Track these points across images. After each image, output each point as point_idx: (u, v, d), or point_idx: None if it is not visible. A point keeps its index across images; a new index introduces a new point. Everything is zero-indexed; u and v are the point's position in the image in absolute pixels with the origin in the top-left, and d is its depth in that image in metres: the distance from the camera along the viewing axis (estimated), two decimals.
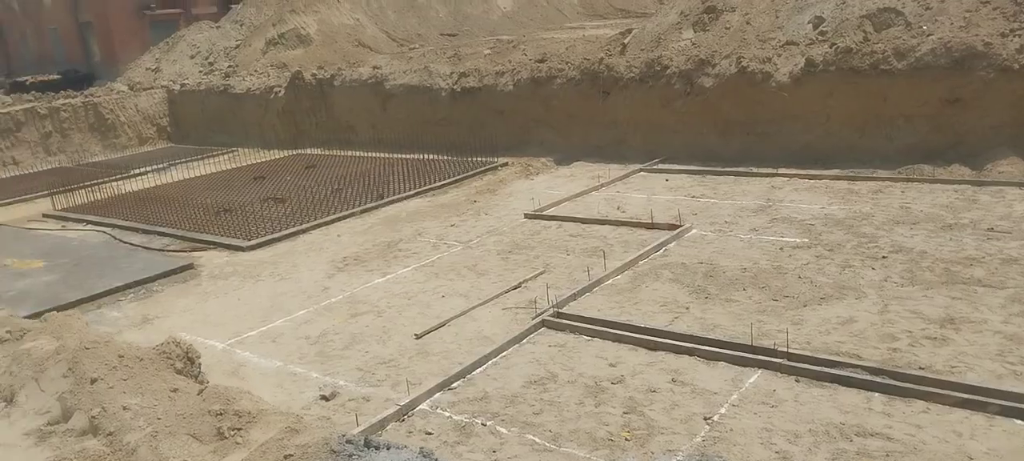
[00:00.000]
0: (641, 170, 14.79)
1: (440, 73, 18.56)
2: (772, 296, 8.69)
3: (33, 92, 27.05)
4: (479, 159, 16.59)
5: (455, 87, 18.17)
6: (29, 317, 9.87)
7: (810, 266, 9.43)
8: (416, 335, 8.52)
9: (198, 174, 18.94)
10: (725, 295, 8.85)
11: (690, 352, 7.52)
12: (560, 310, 8.56)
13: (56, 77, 34.59)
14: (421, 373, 7.67)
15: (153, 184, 17.92)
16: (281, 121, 21.72)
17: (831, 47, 13.64)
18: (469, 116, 17.93)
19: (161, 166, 20.08)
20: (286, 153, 20.69)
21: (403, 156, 17.91)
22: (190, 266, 11.57)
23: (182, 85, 24.77)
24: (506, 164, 16.47)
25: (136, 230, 14.07)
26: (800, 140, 14.05)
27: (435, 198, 14.68)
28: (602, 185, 14.03)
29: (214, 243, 12.68)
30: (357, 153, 19.31)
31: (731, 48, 14.75)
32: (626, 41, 16.44)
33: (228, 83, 23.32)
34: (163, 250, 12.73)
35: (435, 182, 15.46)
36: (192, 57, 26.54)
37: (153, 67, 27.16)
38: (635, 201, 12.93)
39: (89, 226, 14.82)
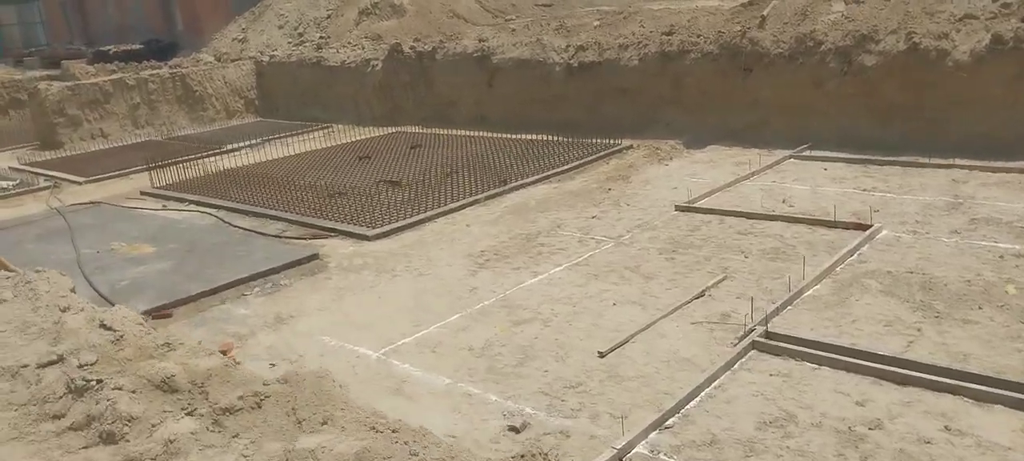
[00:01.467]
0: (790, 157, 13.37)
1: (554, 47, 17.24)
2: (1019, 318, 7.33)
3: (116, 62, 26.52)
4: (600, 141, 15.32)
5: (571, 61, 16.85)
6: (148, 311, 8.97)
7: None
8: (600, 353, 7.36)
9: (295, 151, 18.04)
10: (958, 314, 7.50)
11: (953, 390, 6.23)
12: (769, 329, 7.31)
13: (139, 47, 34.08)
14: (621, 403, 6.51)
15: (250, 161, 17.07)
16: (377, 96, 20.67)
17: (1023, 21, 12.01)
18: (586, 94, 16.65)
19: (256, 142, 19.24)
20: (383, 130, 19.67)
21: (511, 136, 16.78)
22: (316, 256, 10.57)
23: (271, 57, 23.92)
24: (631, 147, 15.18)
25: (243, 212, 13.17)
26: (978, 127, 12.46)
27: (561, 184, 13.48)
28: (753, 173, 12.66)
29: (335, 230, 11.68)
30: (460, 132, 18.20)
31: (896, 22, 13.19)
32: (765, 13, 14.95)
33: (321, 55, 22.37)
34: (280, 236, 11.79)
35: (557, 166, 14.23)
36: (280, 27, 25.68)
37: (240, 37, 26.40)
38: (799, 193, 11.56)
39: (192, 206, 13.98)
